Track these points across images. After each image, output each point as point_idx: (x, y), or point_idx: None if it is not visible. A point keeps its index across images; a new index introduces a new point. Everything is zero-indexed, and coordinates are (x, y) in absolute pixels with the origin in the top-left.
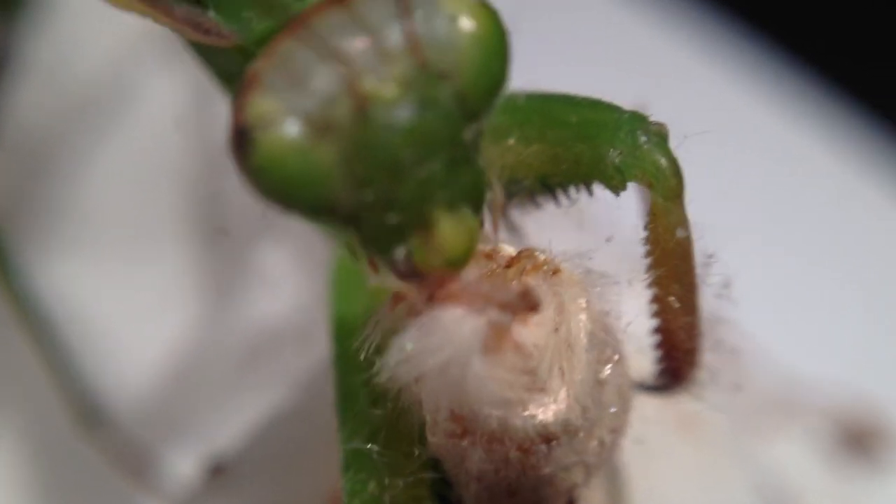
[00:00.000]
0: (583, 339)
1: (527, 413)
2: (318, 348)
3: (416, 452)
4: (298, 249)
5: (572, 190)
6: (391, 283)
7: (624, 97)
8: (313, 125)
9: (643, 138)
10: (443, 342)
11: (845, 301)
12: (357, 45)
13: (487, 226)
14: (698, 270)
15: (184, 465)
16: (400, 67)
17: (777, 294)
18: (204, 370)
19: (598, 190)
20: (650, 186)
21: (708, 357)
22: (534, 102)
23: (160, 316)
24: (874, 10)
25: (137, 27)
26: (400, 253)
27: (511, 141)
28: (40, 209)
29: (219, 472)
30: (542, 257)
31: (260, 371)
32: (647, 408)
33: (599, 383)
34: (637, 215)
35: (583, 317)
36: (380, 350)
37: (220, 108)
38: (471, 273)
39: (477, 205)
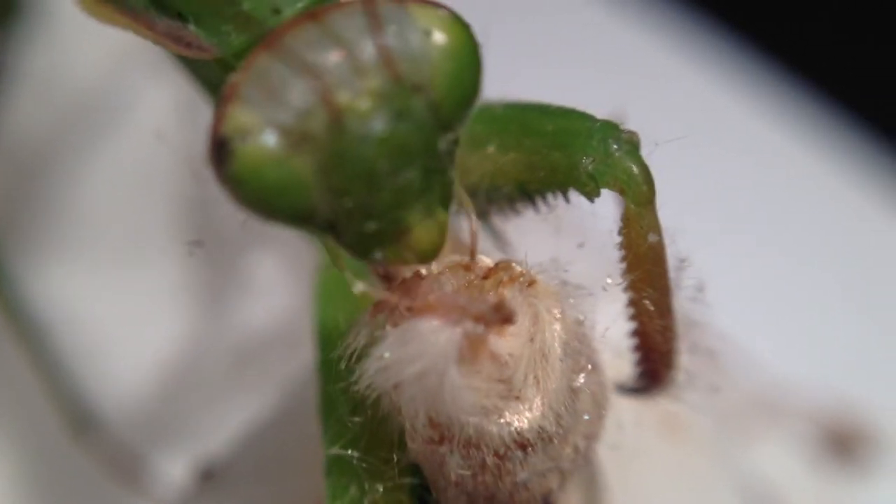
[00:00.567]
0: (557, 348)
1: (503, 420)
2: (308, 354)
3: (396, 458)
4: (287, 257)
5: (550, 196)
6: (371, 287)
7: (602, 100)
8: (290, 137)
9: (615, 146)
10: (420, 351)
11: (829, 305)
12: (331, 59)
13: (466, 235)
14: (671, 274)
15: (175, 469)
16: (374, 81)
17: (761, 298)
18: (195, 376)
19: (575, 197)
20: (622, 193)
21: (686, 359)
22: (511, 112)
23: (151, 322)
24: (851, 11)
25: (129, 38)
26: (377, 256)
27: (490, 149)
28: (32, 215)
29: (209, 476)
30: (518, 269)
31: (250, 376)
32: (628, 411)
33: (573, 391)
34: (613, 221)
35: (557, 327)
36: (360, 358)
37: (206, 118)
38: (448, 284)
39: (447, 205)
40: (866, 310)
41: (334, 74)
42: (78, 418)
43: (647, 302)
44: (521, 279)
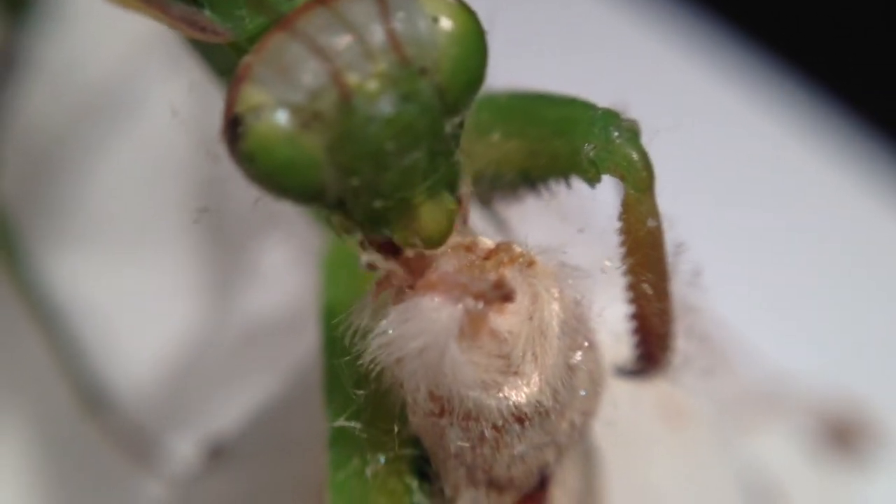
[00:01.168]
0: (555, 326)
1: (501, 394)
2: (315, 335)
3: (398, 430)
4: (295, 244)
5: (552, 183)
6: (376, 261)
7: (604, 90)
8: (301, 115)
9: (615, 133)
10: (421, 328)
11: (830, 297)
12: (341, 42)
13: (470, 219)
14: (669, 259)
15: (184, 447)
16: (382, 63)
17: (761, 289)
18: (204, 356)
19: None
20: (622, 179)
21: (682, 343)
22: (515, 101)
23: (162, 304)
24: (850, 4)
25: (144, 30)
26: (384, 234)
27: (494, 137)
28: (48, 202)
29: (218, 454)
30: (518, 250)
31: (258, 356)
32: (626, 396)
33: (570, 368)
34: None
35: (555, 306)
36: (364, 333)
37: (219, 103)
38: (450, 264)
39: (454, 192)
40: (868, 301)
41: (344, 57)
42: (90, 398)
43: (645, 285)
44: (521, 260)
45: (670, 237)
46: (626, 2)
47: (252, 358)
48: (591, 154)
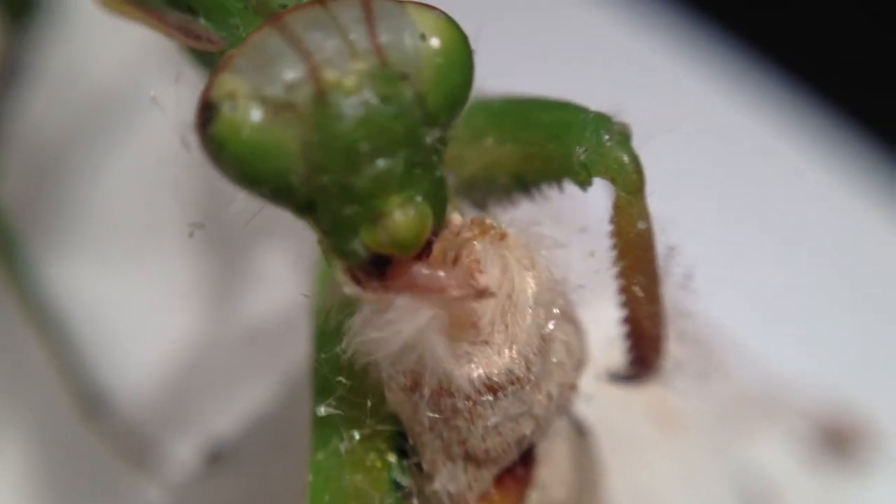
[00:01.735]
0: (528, 296)
1: (472, 364)
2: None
3: (375, 406)
4: (292, 250)
5: (545, 187)
6: (359, 294)
7: (596, 95)
8: (274, 104)
9: (606, 136)
10: (402, 329)
11: (826, 301)
12: (324, 39)
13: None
14: (661, 262)
15: (183, 451)
16: (362, 63)
17: (755, 293)
18: (203, 361)
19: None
20: (613, 181)
21: (674, 347)
22: (508, 105)
23: (161, 310)
24: (845, 10)
25: (145, 37)
26: (357, 247)
27: (488, 142)
28: (50, 207)
29: (217, 458)
30: (489, 222)
31: (257, 361)
32: (620, 400)
33: (544, 338)
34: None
35: (527, 276)
36: (348, 330)
37: None
38: (425, 266)
39: (434, 205)
40: (864, 306)
41: (325, 53)
42: (89, 402)
43: (636, 288)
44: (493, 232)
45: (662, 240)
46: (619, 6)
47: (251, 363)
48: (583, 157)
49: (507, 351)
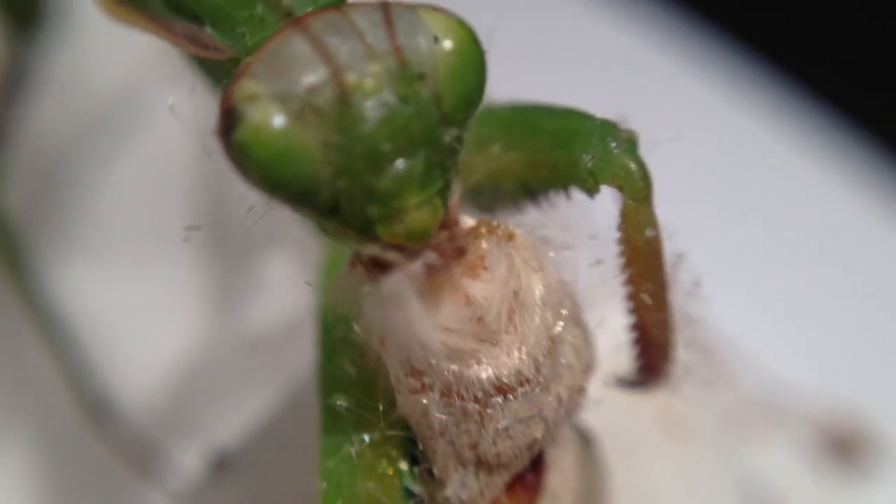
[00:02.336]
0: (536, 297)
1: (480, 365)
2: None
3: (385, 410)
4: (295, 257)
5: (552, 194)
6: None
7: (602, 102)
8: (297, 108)
9: (613, 144)
10: (387, 295)
11: (831, 308)
12: (342, 42)
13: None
14: (668, 269)
15: (188, 459)
16: (381, 65)
17: (762, 300)
18: (208, 369)
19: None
20: (620, 189)
21: (682, 354)
22: (515, 113)
23: (166, 318)
24: (849, 15)
25: (150, 46)
26: (373, 243)
27: (494, 149)
28: (55, 215)
29: (222, 466)
30: (496, 224)
31: (261, 369)
32: (627, 407)
33: (553, 340)
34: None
35: (534, 277)
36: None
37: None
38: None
39: (444, 198)
40: (868, 313)
41: (345, 56)
42: (94, 409)
43: (644, 296)
44: (500, 232)
45: (669, 247)
46: (626, 14)
47: (255, 369)
48: (590, 164)
49: (516, 352)
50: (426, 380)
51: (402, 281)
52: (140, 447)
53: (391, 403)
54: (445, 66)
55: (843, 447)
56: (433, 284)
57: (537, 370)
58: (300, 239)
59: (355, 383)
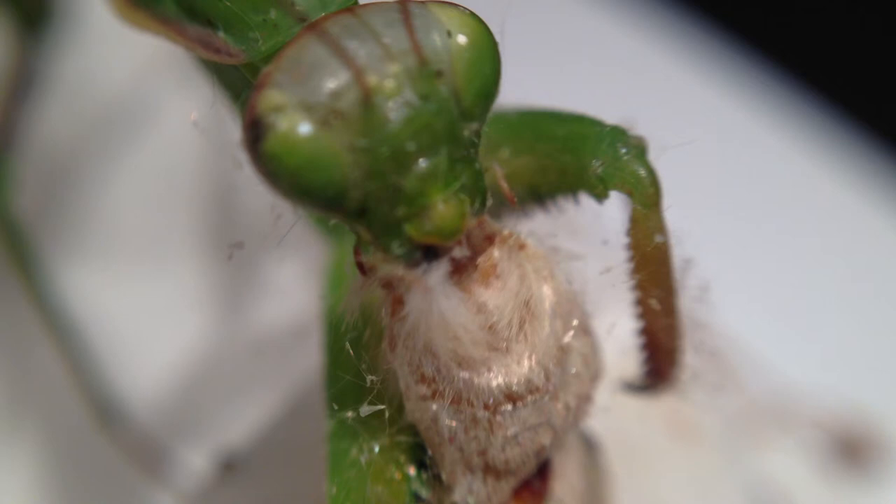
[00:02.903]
0: (546, 307)
1: (491, 373)
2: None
3: (393, 417)
4: (305, 258)
5: (560, 199)
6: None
7: (612, 107)
8: (322, 115)
9: (623, 150)
10: (417, 297)
11: (838, 310)
12: (359, 45)
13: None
14: (677, 274)
15: (196, 461)
16: (400, 65)
17: (770, 305)
18: (216, 370)
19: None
20: (630, 194)
21: (690, 359)
22: (524, 118)
23: (175, 319)
24: (855, 17)
25: (158, 47)
26: (403, 242)
27: (504, 154)
28: (63, 215)
29: (230, 467)
30: (507, 233)
31: (269, 371)
32: (635, 411)
33: (562, 349)
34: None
35: (545, 286)
36: (360, 322)
37: (233, 125)
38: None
39: (474, 197)
40: (877, 317)
41: (364, 58)
42: (103, 410)
43: (653, 301)
44: (511, 241)
45: (678, 253)
46: (636, 19)
47: (264, 372)
48: (599, 170)
49: (526, 360)
50: (436, 387)
51: (437, 280)
52: (148, 448)
53: (400, 409)
54: (462, 61)
55: (852, 451)
56: (462, 282)
57: (547, 379)
58: (309, 241)
59: (363, 389)
